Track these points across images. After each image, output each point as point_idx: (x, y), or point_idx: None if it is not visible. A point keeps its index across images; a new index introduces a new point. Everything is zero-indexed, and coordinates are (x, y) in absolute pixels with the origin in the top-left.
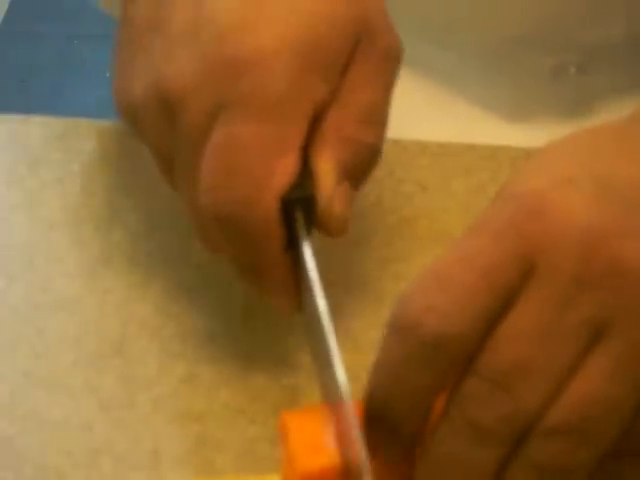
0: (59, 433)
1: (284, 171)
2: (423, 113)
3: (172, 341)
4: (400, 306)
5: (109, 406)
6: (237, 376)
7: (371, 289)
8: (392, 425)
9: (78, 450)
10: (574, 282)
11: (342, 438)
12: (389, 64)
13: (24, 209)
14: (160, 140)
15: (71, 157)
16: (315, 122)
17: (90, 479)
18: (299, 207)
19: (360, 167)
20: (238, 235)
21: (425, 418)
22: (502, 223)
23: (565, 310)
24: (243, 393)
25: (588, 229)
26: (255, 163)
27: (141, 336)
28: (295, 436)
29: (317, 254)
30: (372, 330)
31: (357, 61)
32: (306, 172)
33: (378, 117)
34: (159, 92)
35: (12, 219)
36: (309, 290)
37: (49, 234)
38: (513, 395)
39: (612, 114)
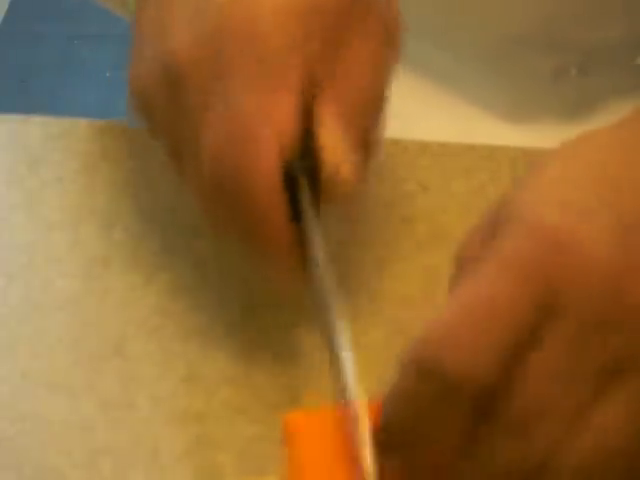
0: (59, 433)
1: (283, 133)
2: (423, 113)
3: (172, 341)
4: (424, 339)
5: (109, 406)
6: (237, 376)
7: (371, 289)
8: (405, 452)
9: (78, 450)
10: (596, 322)
11: (351, 442)
12: (388, 32)
13: (24, 209)
14: (169, 124)
15: (71, 157)
16: (314, 98)
17: (90, 479)
18: (304, 179)
19: (364, 113)
20: (242, 205)
21: (440, 450)
22: (525, 262)
23: (587, 351)
24: (243, 393)
25: (610, 266)
26: (254, 128)
27: (141, 336)
28: (303, 441)
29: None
30: (372, 330)
31: (355, 28)
32: (309, 148)
33: (381, 69)
34: (163, 68)
35: (12, 219)
36: (315, 264)
37: (49, 234)
38: (529, 439)
39: (613, 115)
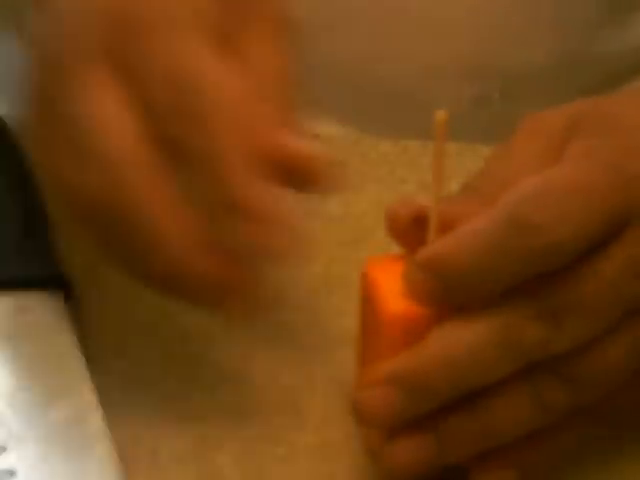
0: None
1: None
2: None
3: (172, 341)
4: (520, 198)
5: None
6: (237, 376)
7: None
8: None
9: None
10: None
11: None
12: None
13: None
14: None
15: None
16: None
17: None
18: None
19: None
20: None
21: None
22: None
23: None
24: (243, 393)
25: None
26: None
27: (141, 336)
28: (383, 282)
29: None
30: None
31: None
32: None
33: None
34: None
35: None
36: None
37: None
38: (559, 326)
39: None
